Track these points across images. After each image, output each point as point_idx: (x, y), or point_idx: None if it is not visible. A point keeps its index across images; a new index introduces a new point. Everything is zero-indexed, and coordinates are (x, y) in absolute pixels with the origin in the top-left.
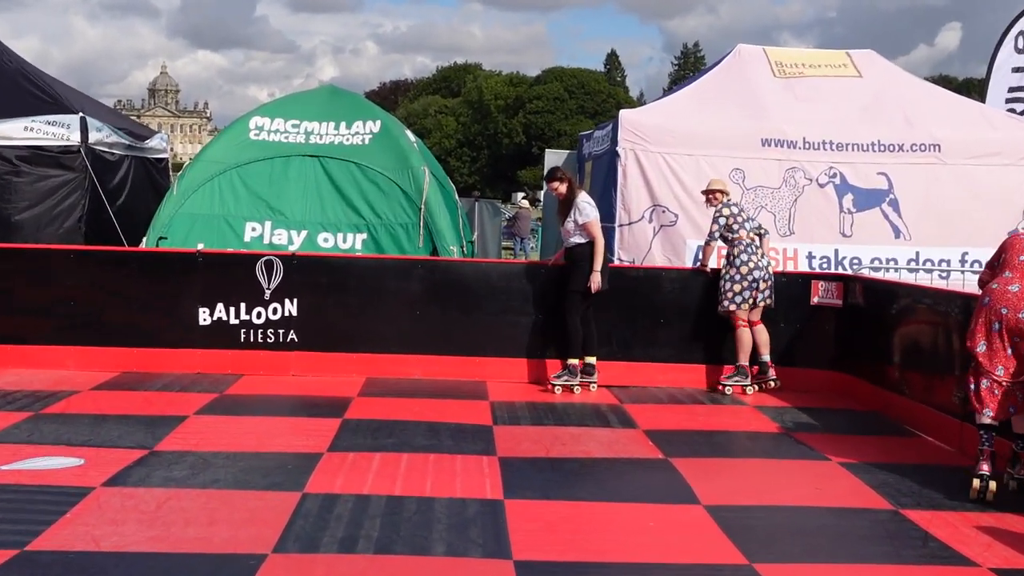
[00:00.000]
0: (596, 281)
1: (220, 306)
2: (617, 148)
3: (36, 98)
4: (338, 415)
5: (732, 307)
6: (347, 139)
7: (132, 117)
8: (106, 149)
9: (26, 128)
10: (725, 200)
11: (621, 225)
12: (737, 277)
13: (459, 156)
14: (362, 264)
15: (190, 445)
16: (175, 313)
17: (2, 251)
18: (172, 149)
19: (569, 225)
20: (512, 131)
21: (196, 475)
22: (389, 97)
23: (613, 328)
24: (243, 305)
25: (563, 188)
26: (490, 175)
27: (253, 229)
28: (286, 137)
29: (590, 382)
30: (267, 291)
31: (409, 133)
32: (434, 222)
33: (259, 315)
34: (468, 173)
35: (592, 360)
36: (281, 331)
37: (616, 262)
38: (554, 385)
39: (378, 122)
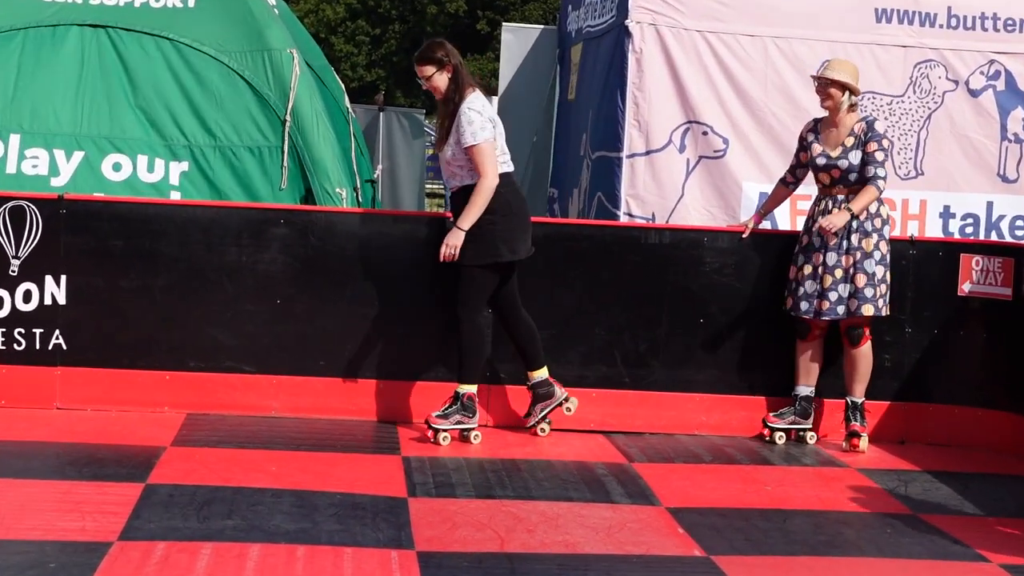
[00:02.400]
0: (450, 244)
1: None
2: (627, 23)
3: None
4: (138, 478)
5: (885, 311)
6: None
7: None
8: None
9: None
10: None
11: (633, 155)
12: (890, 257)
13: (350, 34)
14: (182, 216)
15: None
16: None
17: None
18: None
19: (448, 152)
20: None
21: None
22: None
23: (615, 333)
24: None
25: (441, 80)
26: (405, 68)
27: None
28: None
29: (538, 420)
30: (13, 261)
31: None
32: (308, 146)
33: None
34: (366, 65)
35: (541, 374)
36: (39, 332)
37: (623, 219)
38: (436, 430)
39: None
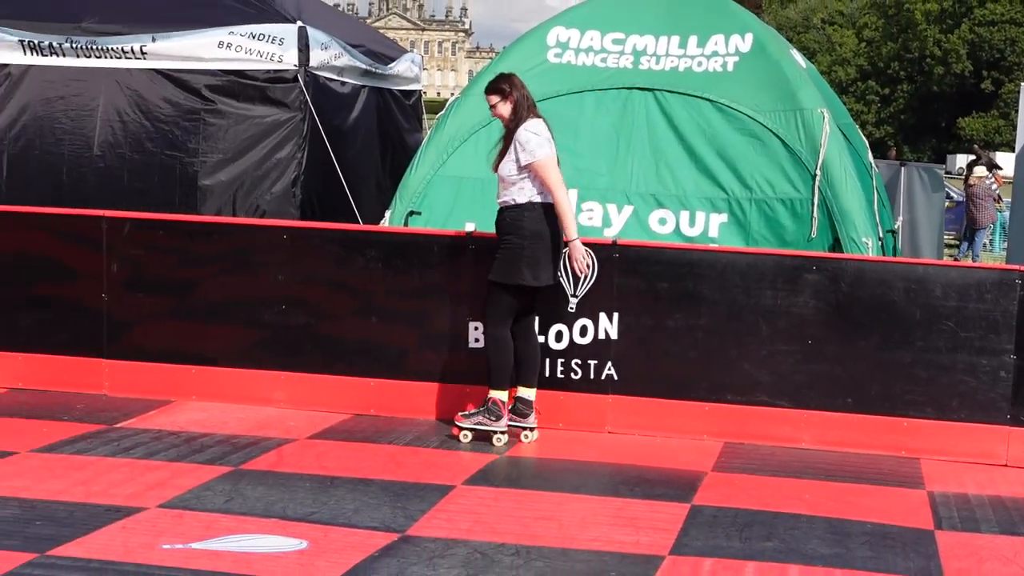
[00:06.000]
0: (579, 256)
1: None
2: None
3: None
4: (684, 499)
5: None
6: (699, 63)
7: None
8: (334, 76)
9: (221, 44)
10: None
11: None
12: None
13: (861, 93)
14: (722, 261)
15: (460, 531)
16: (432, 327)
17: (184, 226)
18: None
19: (507, 169)
20: (949, 54)
21: None
22: None
23: None
24: (535, 320)
25: (504, 109)
26: (913, 124)
27: None
28: (604, 60)
29: (523, 427)
30: (572, 299)
31: (796, 54)
32: (837, 199)
33: (559, 336)
34: (875, 121)
35: (529, 394)
36: (593, 363)
37: None
38: (461, 428)
39: (748, 36)
